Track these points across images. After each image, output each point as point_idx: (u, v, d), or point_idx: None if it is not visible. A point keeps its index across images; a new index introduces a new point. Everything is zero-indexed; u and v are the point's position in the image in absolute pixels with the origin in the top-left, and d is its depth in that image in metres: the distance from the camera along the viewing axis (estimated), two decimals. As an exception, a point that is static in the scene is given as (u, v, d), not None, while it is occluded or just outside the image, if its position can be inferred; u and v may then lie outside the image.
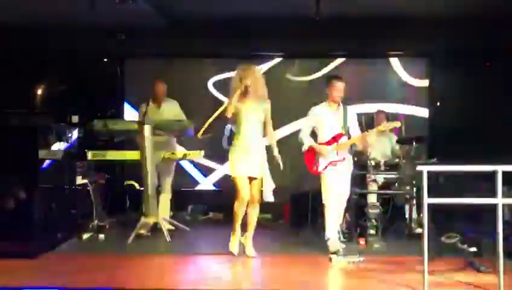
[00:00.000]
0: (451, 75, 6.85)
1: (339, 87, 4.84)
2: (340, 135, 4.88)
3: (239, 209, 4.61)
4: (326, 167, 4.85)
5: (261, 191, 4.66)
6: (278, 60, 7.30)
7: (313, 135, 5.03)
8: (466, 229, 5.34)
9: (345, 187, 4.93)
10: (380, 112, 6.43)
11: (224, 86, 5.25)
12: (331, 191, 4.83)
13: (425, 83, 7.22)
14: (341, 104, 4.92)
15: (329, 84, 4.90)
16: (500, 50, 6.64)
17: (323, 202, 4.86)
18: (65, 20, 6.30)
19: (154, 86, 5.88)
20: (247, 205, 4.63)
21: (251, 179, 4.61)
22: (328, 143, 4.86)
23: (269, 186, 4.66)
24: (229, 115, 4.55)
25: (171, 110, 5.93)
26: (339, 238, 5.07)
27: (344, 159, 4.86)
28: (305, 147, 4.92)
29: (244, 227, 4.77)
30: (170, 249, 5.02)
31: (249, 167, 4.57)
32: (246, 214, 4.74)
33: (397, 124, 4.88)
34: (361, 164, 5.51)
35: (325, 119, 4.90)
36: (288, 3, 5.97)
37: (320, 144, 4.90)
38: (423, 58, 7.22)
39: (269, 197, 4.68)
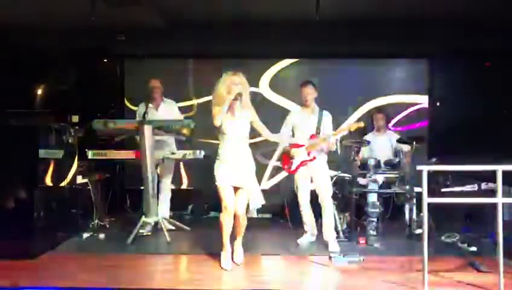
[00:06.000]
0: (451, 75, 6.86)
1: (304, 93, 5.14)
2: (312, 137, 5.10)
3: (225, 220, 4.40)
4: (298, 167, 5.10)
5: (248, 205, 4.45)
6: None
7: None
8: (466, 229, 5.36)
9: (321, 186, 5.06)
10: (377, 110, 6.43)
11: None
12: (302, 190, 5.13)
13: (425, 83, 7.23)
14: (317, 108, 5.18)
15: (300, 89, 5.19)
16: (500, 50, 6.64)
17: (298, 200, 5.17)
18: (65, 20, 6.30)
19: (151, 85, 5.89)
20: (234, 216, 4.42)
21: (236, 188, 4.42)
22: (301, 145, 5.12)
23: (257, 201, 4.43)
24: (218, 123, 4.32)
25: (169, 110, 5.94)
26: (339, 237, 5.13)
27: (314, 158, 5.06)
28: (280, 149, 5.28)
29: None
30: (170, 249, 5.02)
31: (234, 176, 4.36)
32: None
33: (360, 124, 5.02)
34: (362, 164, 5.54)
35: (300, 122, 5.19)
36: (288, 3, 5.97)
37: (293, 145, 5.15)
38: (423, 58, 7.22)
39: (252, 213, 4.53)
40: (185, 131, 5.66)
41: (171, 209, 6.09)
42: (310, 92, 5.13)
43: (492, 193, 3.65)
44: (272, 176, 7.20)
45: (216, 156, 4.48)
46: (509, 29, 6.14)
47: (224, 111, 4.31)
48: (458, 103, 6.80)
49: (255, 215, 4.62)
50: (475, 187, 5.15)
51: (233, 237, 4.57)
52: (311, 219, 5.22)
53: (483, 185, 5.08)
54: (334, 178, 5.57)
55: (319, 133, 5.11)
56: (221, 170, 4.39)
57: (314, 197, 5.18)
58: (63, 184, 5.18)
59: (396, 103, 7.16)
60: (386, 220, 5.67)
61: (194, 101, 7.19)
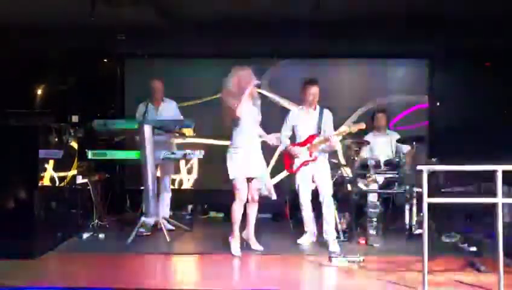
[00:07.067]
0: (451, 75, 6.86)
1: (311, 91, 5.08)
2: (313, 136, 5.08)
3: (237, 210, 4.69)
4: (299, 166, 5.09)
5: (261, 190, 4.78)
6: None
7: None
8: (466, 229, 5.35)
9: (323, 185, 5.07)
10: (379, 110, 6.43)
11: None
12: (303, 189, 5.10)
13: (425, 83, 7.23)
14: (317, 107, 5.15)
15: (303, 88, 5.13)
16: (500, 50, 6.65)
17: (299, 199, 5.15)
18: (65, 20, 6.30)
19: (152, 85, 5.89)
20: (246, 204, 4.72)
21: (250, 178, 4.67)
22: (302, 144, 5.10)
23: (269, 191, 4.79)
24: (239, 114, 4.52)
25: (169, 110, 5.94)
26: (339, 237, 5.13)
27: (316, 158, 5.06)
28: (281, 148, 5.20)
29: (242, 227, 4.84)
30: (170, 249, 5.02)
31: (248, 167, 4.61)
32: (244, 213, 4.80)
33: (362, 126, 5.00)
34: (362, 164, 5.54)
35: (301, 122, 5.16)
36: (288, 3, 5.97)
37: (294, 144, 5.14)
38: (423, 58, 7.22)
39: (273, 195, 4.81)
40: (185, 131, 5.66)
41: (171, 209, 6.09)
42: (316, 91, 5.09)
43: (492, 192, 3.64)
44: (272, 175, 7.19)
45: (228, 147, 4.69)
46: (509, 29, 6.15)
47: (243, 103, 4.50)
48: (458, 103, 6.81)
49: (275, 197, 4.83)
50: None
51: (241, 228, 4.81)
52: (311, 218, 5.22)
53: (483, 185, 5.07)
54: (335, 178, 5.57)
55: (320, 132, 5.10)
56: (234, 162, 4.59)
57: (314, 197, 5.18)
58: (63, 184, 5.17)
59: (396, 103, 7.17)
60: (386, 220, 5.67)
61: (193, 102, 7.18)
